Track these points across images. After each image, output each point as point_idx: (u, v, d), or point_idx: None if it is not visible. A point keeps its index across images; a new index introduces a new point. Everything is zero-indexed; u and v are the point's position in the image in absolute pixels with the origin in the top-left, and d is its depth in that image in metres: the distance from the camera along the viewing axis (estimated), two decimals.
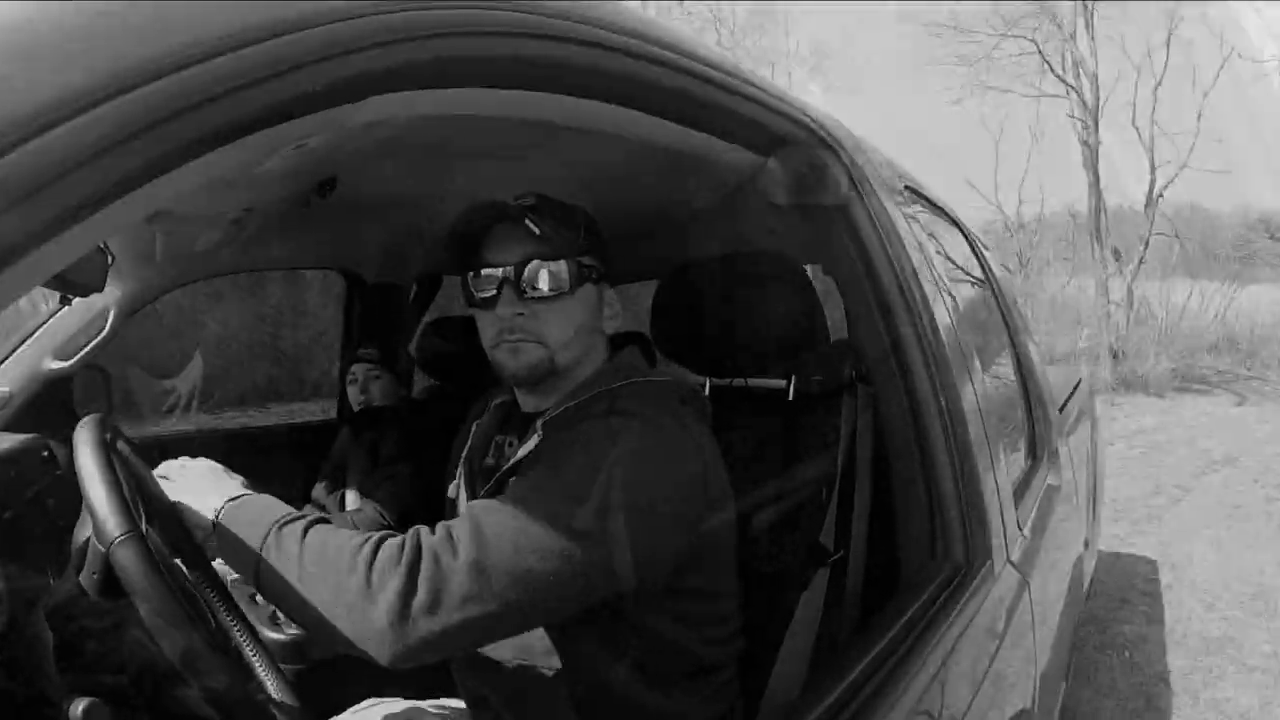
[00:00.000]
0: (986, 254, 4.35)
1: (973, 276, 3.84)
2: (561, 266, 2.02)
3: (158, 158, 0.93)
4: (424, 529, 1.69)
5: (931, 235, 2.89)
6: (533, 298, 2.01)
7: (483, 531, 1.66)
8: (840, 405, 2.37)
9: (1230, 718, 5.15)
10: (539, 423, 2.02)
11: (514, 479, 1.93)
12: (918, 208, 2.89)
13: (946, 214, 3.64)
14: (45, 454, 2.06)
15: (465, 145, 2.15)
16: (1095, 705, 5.25)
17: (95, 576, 1.50)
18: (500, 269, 2.01)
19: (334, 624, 1.59)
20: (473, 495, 2.17)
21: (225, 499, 1.74)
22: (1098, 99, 22.98)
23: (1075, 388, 5.80)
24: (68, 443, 1.56)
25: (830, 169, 2.19)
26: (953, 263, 3.25)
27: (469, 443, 2.30)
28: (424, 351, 4.14)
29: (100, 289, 2.12)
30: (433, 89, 1.27)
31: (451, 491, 2.29)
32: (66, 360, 3.05)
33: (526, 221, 1.99)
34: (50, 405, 3.01)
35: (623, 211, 2.16)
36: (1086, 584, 4.87)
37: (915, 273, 2.34)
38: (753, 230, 2.57)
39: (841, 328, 2.49)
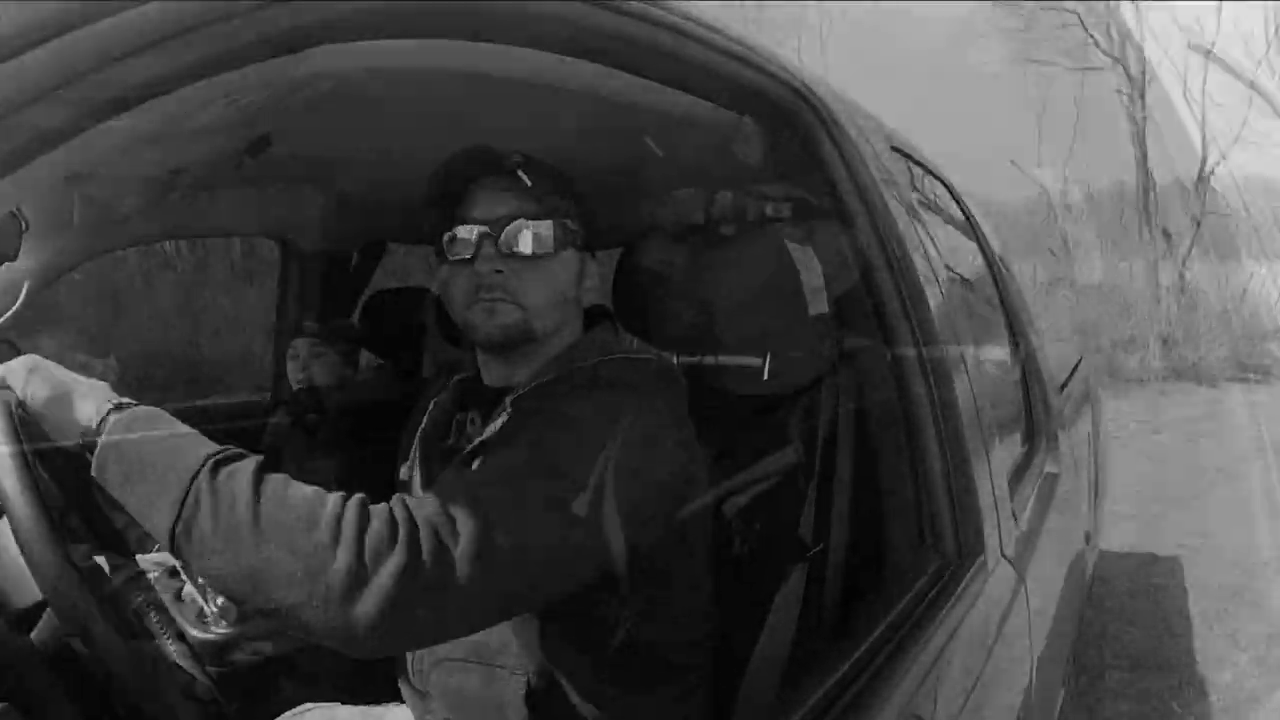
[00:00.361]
0: (981, 223, 4.36)
1: (967, 247, 3.85)
2: (547, 227, 2.02)
3: (75, 115, 0.93)
4: (408, 499, 1.61)
5: (922, 202, 2.90)
6: (513, 256, 2.01)
7: (483, 509, 1.62)
8: (820, 386, 2.38)
9: (1240, 643, 5.96)
10: (508, 400, 2.02)
11: (490, 456, 1.90)
12: (907, 172, 2.89)
13: (939, 179, 3.64)
14: None
15: (413, 103, 2.14)
16: (1123, 632, 6.06)
17: (48, 640, 1.51)
18: (482, 225, 2.01)
19: (297, 608, 1.47)
20: (429, 477, 2.17)
21: (107, 403, 1.56)
22: (1143, 71, 22.91)
23: (1075, 367, 5.83)
24: None
25: (810, 128, 2.20)
26: (945, 232, 3.26)
27: (425, 421, 2.29)
28: (368, 326, 4.13)
29: (13, 257, 2.11)
30: (378, 40, 1.27)
31: (404, 473, 2.28)
32: None
33: (520, 174, 1.99)
34: None
35: (585, 174, 2.16)
36: (1088, 582, 4.91)
37: (903, 242, 2.35)
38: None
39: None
